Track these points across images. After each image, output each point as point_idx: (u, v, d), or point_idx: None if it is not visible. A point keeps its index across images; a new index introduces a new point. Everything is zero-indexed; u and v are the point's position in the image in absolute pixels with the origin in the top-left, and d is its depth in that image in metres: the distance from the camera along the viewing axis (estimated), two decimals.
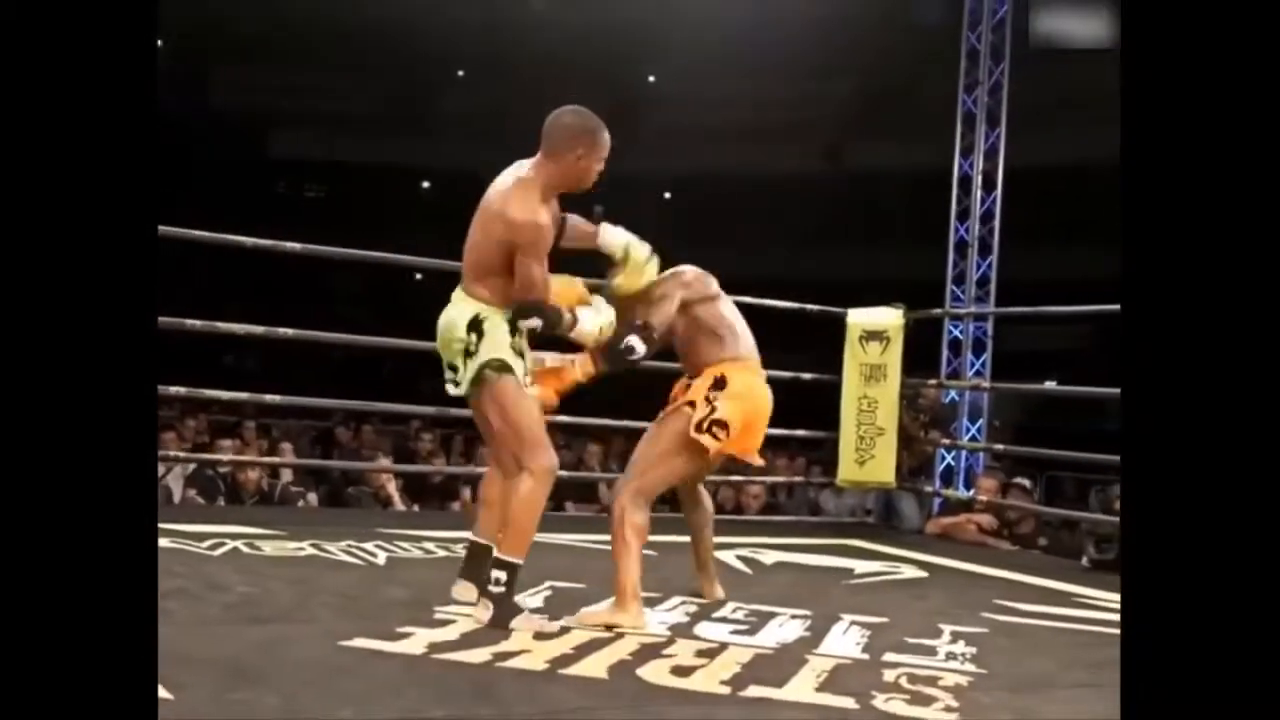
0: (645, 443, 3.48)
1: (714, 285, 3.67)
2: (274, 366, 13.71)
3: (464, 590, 3.29)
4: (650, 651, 2.86)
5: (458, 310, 3.18)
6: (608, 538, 3.37)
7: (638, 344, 3.33)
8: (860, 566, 4.76)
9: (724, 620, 3.35)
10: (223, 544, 4.06)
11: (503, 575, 3.04)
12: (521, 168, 3.24)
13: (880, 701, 2.52)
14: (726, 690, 2.55)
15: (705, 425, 3.35)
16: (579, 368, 3.38)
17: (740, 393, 3.43)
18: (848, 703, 2.51)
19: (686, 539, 3.81)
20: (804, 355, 6.48)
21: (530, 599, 3.42)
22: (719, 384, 3.42)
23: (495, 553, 3.11)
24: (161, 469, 6.87)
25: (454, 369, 3.19)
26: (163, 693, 2.20)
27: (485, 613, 3.05)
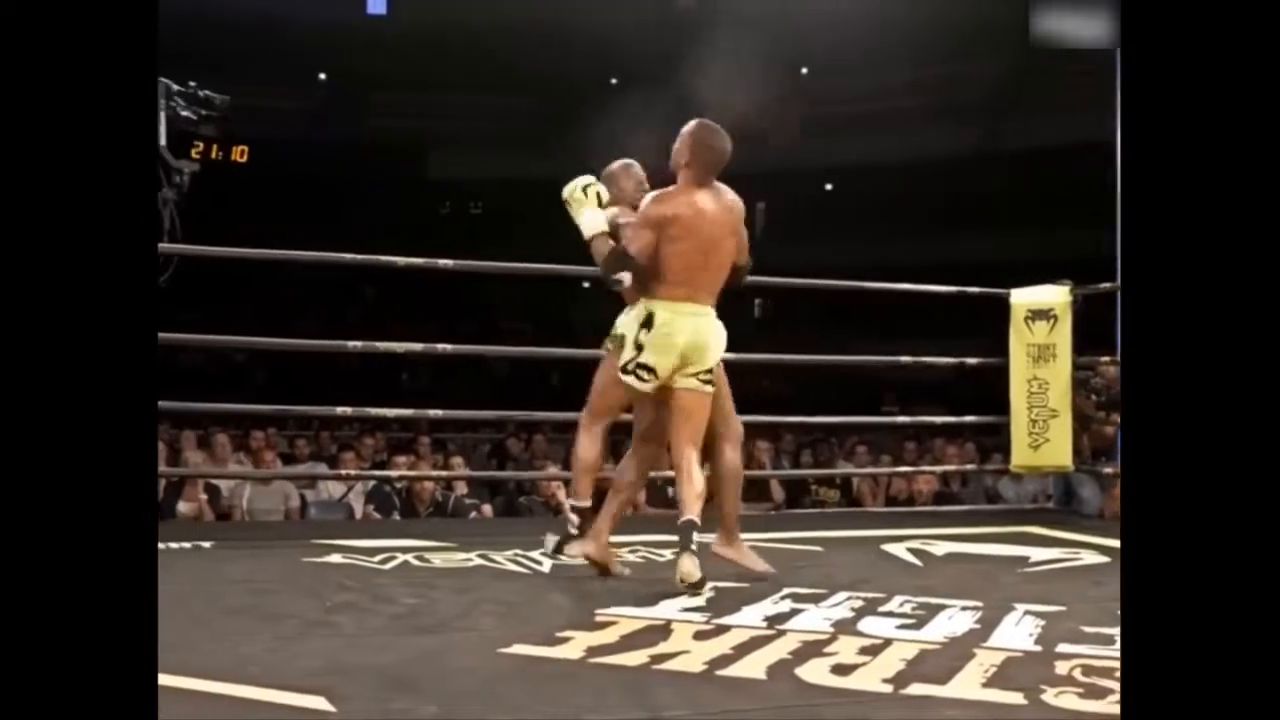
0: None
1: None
2: (448, 383, 14.05)
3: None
4: (812, 650, 2.80)
5: (717, 328, 3.75)
6: (772, 535, 3.39)
7: (625, 276, 3.71)
8: (1037, 554, 4.59)
9: (890, 615, 3.26)
10: (394, 557, 4.16)
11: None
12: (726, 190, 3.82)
13: (1050, 696, 2.41)
14: (888, 688, 2.47)
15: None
16: None
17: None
18: (1016, 698, 2.41)
19: (849, 533, 3.74)
20: (969, 340, 6.31)
21: (693, 599, 3.41)
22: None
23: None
24: (342, 487, 7.11)
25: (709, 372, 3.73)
26: (325, 704, 2.25)
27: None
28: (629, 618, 3.13)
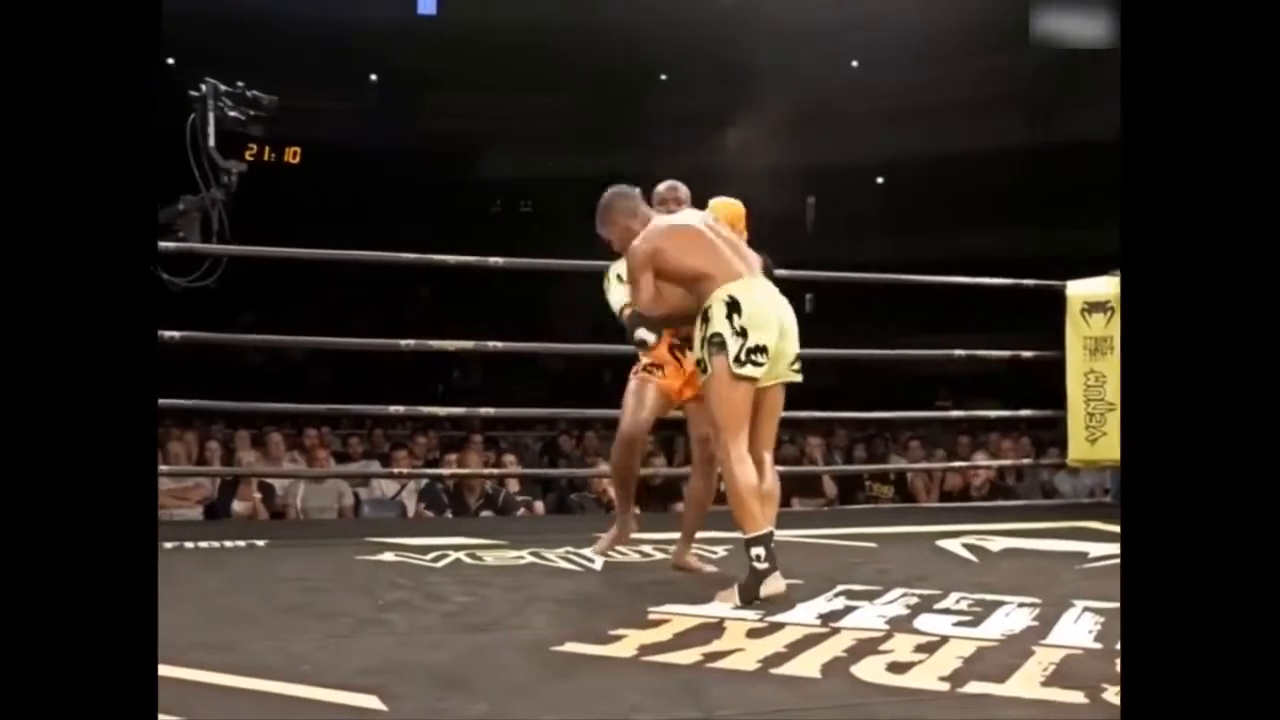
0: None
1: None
2: (500, 381, 14.09)
3: None
4: (866, 647, 2.76)
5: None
6: (831, 531, 3.35)
7: (645, 335, 3.60)
8: (1095, 550, 4.51)
9: (946, 612, 3.22)
10: (446, 555, 4.16)
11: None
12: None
13: (1112, 695, 2.36)
14: (945, 687, 2.44)
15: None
16: None
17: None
18: (1075, 697, 2.36)
19: (904, 529, 3.70)
20: (1023, 333, 6.22)
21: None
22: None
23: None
24: (395, 486, 7.14)
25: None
26: (377, 703, 2.25)
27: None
28: (681, 615, 3.11)
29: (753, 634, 2.90)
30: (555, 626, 3.00)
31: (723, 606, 3.23)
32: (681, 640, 2.82)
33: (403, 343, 5.15)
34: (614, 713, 2.24)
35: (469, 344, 5.29)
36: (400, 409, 5.38)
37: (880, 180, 18.48)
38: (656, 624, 3.00)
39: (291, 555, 4.21)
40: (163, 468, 6.20)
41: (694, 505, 3.98)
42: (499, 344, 5.33)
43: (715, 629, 2.95)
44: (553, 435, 10.53)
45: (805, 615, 3.14)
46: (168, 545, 4.31)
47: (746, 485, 3.39)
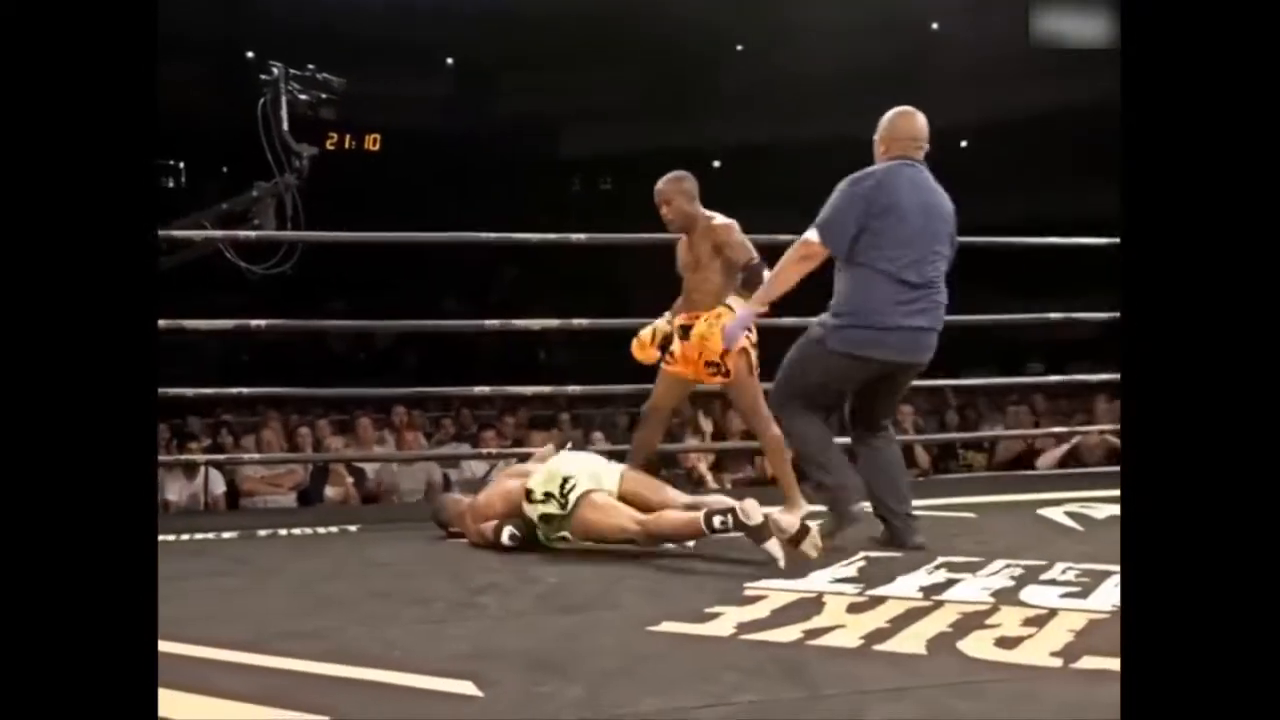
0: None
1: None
2: (586, 358, 14.08)
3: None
4: (972, 622, 2.66)
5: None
6: (922, 502, 3.26)
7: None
8: None
9: (1053, 583, 3.10)
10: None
11: None
12: None
13: None
14: (1057, 662, 2.33)
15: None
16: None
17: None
18: None
19: (1003, 498, 3.59)
20: (1115, 294, 6.01)
21: (843, 569, 3.31)
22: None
23: None
24: (484, 466, 7.14)
25: None
26: (472, 689, 2.21)
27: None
28: (779, 591, 3.04)
29: (853, 609, 2.82)
30: (649, 606, 2.94)
31: (819, 577, 3.18)
32: (780, 617, 2.75)
33: (487, 323, 5.13)
34: (714, 694, 2.17)
35: (554, 322, 5.25)
36: (486, 389, 5.36)
37: (964, 144, 18.13)
38: (753, 600, 2.94)
39: (384, 540, 4.20)
40: (255, 455, 6.27)
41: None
42: (584, 321, 5.28)
43: (814, 604, 2.88)
44: (639, 411, 10.48)
45: (907, 588, 3.05)
46: (261, 533, 4.34)
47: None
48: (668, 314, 4.41)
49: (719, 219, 4.19)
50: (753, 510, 3.32)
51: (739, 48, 18.00)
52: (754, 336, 4.17)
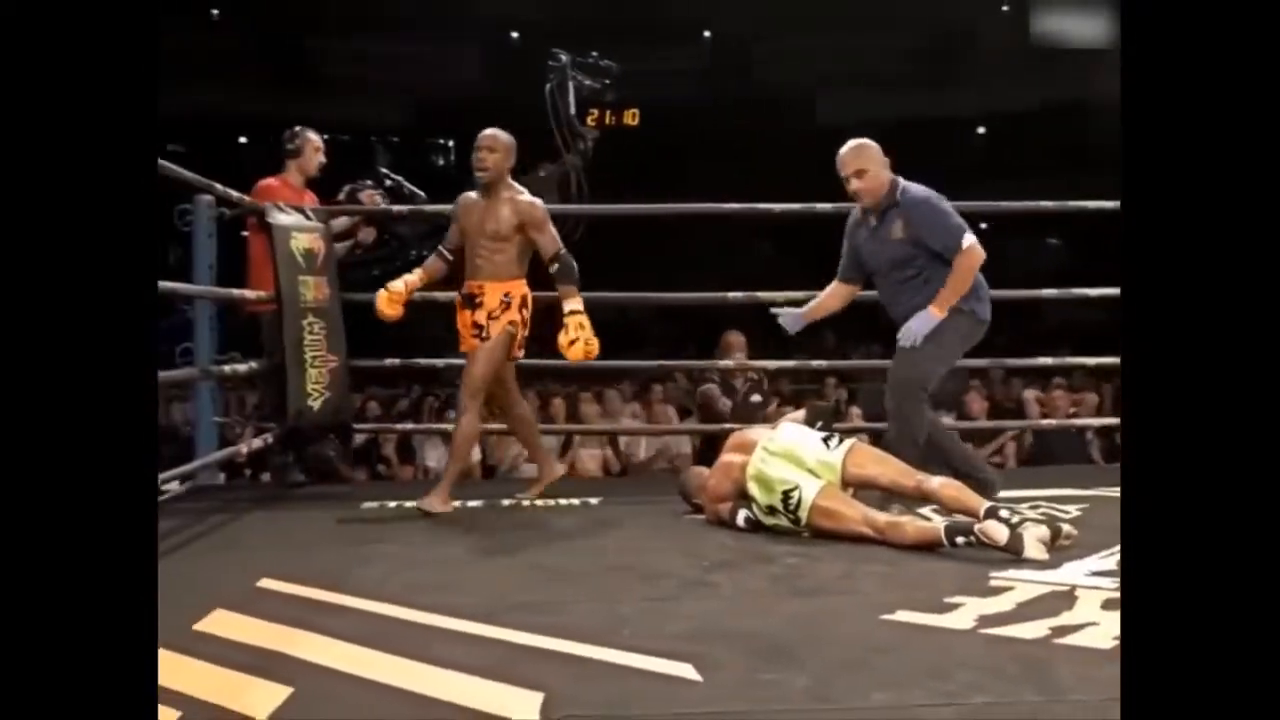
0: None
1: None
2: (845, 331, 13.86)
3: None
4: None
5: None
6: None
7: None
8: None
9: None
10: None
11: None
12: None
13: None
14: None
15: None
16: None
17: None
18: None
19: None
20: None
21: (1101, 560, 3.08)
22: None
23: None
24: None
25: None
26: (692, 673, 2.16)
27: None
28: (1028, 582, 2.87)
29: (1109, 605, 2.61)
30: (887, 592, 2.81)
31: (1073, 569, 2.97)
32: (1025, 611, 2.59)
33: (730, 295, 5.07)
34: (946, 692, 2.04)
35: (799, 294, 5.12)
36: (730, 363, 5.30)
37: None
38: (998, 592, 2.78)
39: (623, 514, 4.19)
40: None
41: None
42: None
43: (1065, 598, 2.69)
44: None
45: None
46: (505, 503, 4.41)
47: None
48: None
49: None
50: (994, 532, 3.17)
51: (1004, 9, 17.29)
52: (527, 314, 4.30)
